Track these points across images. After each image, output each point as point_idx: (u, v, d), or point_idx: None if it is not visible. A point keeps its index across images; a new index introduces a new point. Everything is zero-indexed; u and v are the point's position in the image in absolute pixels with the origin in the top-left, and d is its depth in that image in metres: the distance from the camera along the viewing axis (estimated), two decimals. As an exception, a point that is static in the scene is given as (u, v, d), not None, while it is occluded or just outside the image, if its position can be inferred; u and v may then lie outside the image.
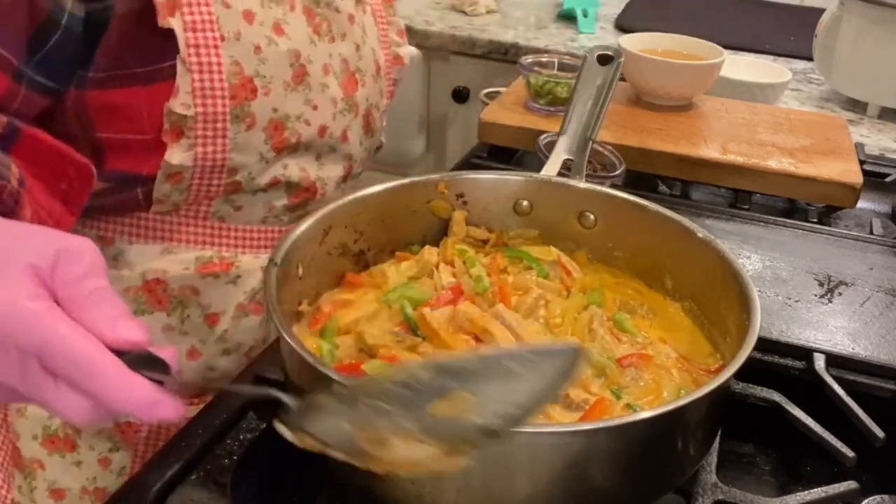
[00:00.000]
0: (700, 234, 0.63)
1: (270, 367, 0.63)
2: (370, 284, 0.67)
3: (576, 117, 0.75)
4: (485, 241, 0.71)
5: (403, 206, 0.70)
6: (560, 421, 0.53)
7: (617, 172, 0.84)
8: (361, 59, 0.78)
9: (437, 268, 0.66)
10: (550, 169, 0.73)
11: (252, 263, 0.74)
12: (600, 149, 0.86)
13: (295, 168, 0.73)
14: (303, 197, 0.75)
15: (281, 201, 0.74)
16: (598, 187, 0.70)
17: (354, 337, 0.60)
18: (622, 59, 0.76)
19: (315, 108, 0.72)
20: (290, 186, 0.74)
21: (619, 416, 0.53)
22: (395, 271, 0.67)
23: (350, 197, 0.67)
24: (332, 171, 0.77)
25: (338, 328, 0.61)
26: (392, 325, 0.61)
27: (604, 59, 0.76)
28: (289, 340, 0.51)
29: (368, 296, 0.65)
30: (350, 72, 0.76)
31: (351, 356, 0.59)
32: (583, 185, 0.70)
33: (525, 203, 0.71)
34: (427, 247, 0.69)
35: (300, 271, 0.62)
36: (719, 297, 0.60)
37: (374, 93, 0.80)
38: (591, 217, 0.69)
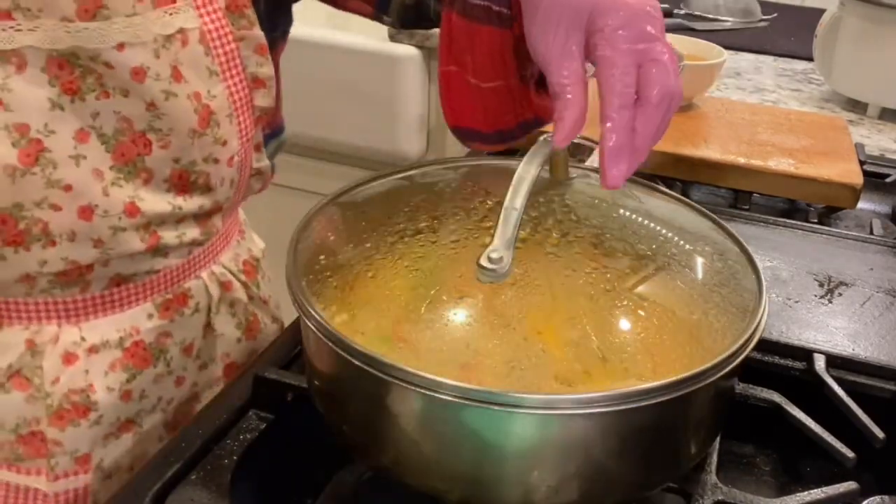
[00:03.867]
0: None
1: (270, 367, 0.63)
2: (395, 260, 0.67)
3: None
4: None
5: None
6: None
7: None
8: (164, 117, 0.62)
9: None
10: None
11: (14, 337, 0.65)
12: (583, 142, 0.86)
13: (56, 260, 0.62)
14: (74, 275, 0.64)
15: (43, 281, 0.63)
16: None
17: (374, 312, 0.60)
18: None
19: (68, 188, 0.61)
20: (45, 276, 0.63)
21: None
22: (423, 252, 0.67)
23: (381, 180, 0.67)
24: (128, 242, 0.65)
25: (359, 301, 0.61)
26: (413, 302, 0.62)
27: None
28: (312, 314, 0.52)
29: (392, 272, 0.65)
30: (136, 132, 0.62)
31: (370, 330, 0.59)
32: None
33: None
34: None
35: (328, 248, 0.62)
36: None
37: (196, 148, 0.65)
38: None
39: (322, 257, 0.62)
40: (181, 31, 0.62)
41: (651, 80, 0.54)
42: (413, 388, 0.47)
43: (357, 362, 0.48)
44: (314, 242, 0.60)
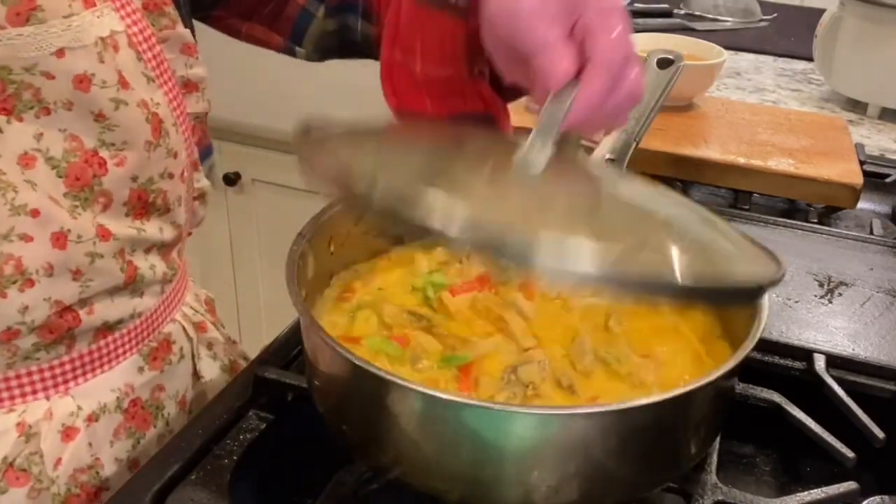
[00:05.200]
0: None
1: (270, 367, 0.63)
2: (399, 263, 0.68)
3: None
4: None
5: None
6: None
7: None
8: (116, 129, 0.57)
9: (467, 256, 0.67)
10: None
11: (1, 424, 0.59)
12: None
13: (38, 303, 0.57)
14: (60, 329, 0.59)
15: (27, 342, 0.58)
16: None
17: (374, 313, 0.61)
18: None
19: (35, 213, 0.54)
20: (30, 329, 0.57)
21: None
22: (426, 256, 0.68)
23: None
24: (108, 271, 0.60)
25: (359, 304, 0.62)
26: (412, 305, 0.62)
27: (663, 63, 0.77)
28: (307, 318, 0.52)
29: (394, 275, 0.66)
30: (88, 151, 0.56)
31: (370, 332, 0.60)
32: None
33: None
34: None
35: (332, 248, 0.63)
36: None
37: (152, 162, 0.60)
38: None
39: (323, 259, 0.63)
40: (111, 34, 0.56)
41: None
42: (413, 388, 0.48)
43: (357, 362, 0.48)
44: (315, 244, 0.60)
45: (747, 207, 0.95)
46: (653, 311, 0.65)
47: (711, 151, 0.98)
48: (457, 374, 0.56)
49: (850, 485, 0.55)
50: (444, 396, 0.49)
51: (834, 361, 0.65)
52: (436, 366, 0.57)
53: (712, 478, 0.56)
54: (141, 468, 0.58)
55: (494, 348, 0.58)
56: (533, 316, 0.61)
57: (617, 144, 0.74)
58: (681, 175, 0.98)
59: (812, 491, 0.55)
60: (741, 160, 0.97)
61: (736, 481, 0.62)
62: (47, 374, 0.60)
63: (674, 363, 0.59)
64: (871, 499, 0.55)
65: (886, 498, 0.55)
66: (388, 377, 0.48)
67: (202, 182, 0.71)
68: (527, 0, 0.56)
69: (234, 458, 0.57)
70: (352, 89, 1.60)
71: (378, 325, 0.60)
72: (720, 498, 0.55)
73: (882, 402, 0.64)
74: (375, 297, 0.63)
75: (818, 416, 0.59)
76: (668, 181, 0.99)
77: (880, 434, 0.58)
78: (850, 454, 0.56)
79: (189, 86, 0.65)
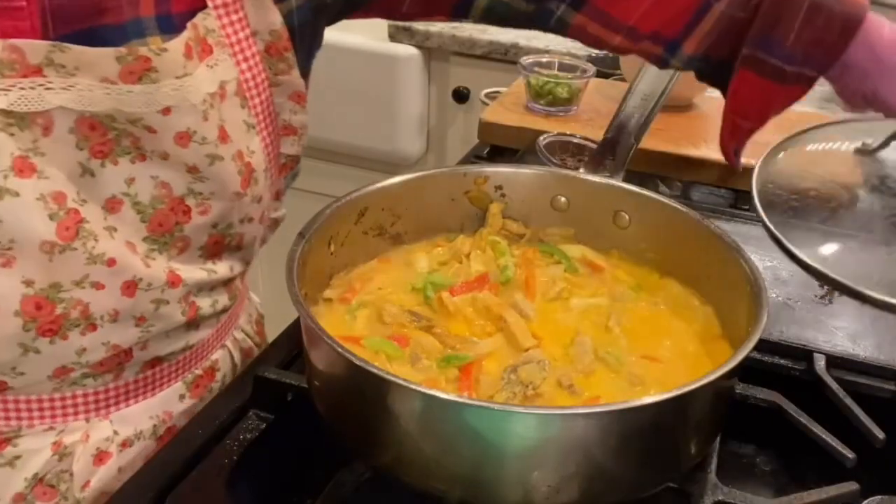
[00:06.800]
0: (728, 241, 0.62)
1: (270, 367, 0.63)
2: (399, 263, 0.68)
3: (623, 119, 0.76)
4: (520, 236, 0.72)
5: (442, 194, 0.70)
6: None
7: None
8: (207, 181, 0.57)
9: (467, 256, 0.67)
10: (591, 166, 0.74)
11: (38, 441, 0.59)
12: (583, 142, 0.87)
13: (96, 347, 0.57)
14: (111, 363, 0.59)
15: (77, 373, 0.58)
16: (636, 188, 0.70)
17: (374, 313, 0.61)
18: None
19: (111, 263, 0.54)
20: (83, 367, 0.58)
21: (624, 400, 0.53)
22: (426, 256, 0.68)
23: (389, 181, 0.68)
24: (170, 316, 0.60)
25: (359, 304, 0.63)
26: (412, 305, 0.63)
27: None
28: (306, 317, 0.52)
29: (394, 275, 0.66)
30: (175, 198, 0.56)
31: (370, 332, 0.60)
32: (620, 184, 0.70)
33: (563, 199, 0.71)
34: (461, 236, 0.70)
35: (332, 248, 0.63)
36: (741, 304, 0.60)
37: (236, 210, 0.60)
38: (626, 217, 0.69)
39: (323, 259, 0.63)
40: (221, 85, 0.56)
41: None
42: (413, 388, 0.48)
43: (357, 362, 0.48)
44: (314, 244, 0.60)
45: (747, 207, 0.94)
46: (653, 312, 0.65)
47: (711, 151, 0.98)
48: (457, 374, 0.56)
49: (850, 485, 0.55)
50: (444, 396, 0.49)
51: (834, 361, 0.65)
52: (436, 366, 0.57)
53: (712, 478, 0.56)
54: (141, 468, 0.58)
55: (494, 348, 0.58)
56: (533, 316, 0.61)
57: (616, 146, 0.74)
58: (681, 175, 0.98)
59: (812, 491, 0.55)
60: (741, 160, 0.96)
61: (736, 481, 0.62)
62: (91, 399, 0.60)
63: (674, 363, 0.59)
64: (871, 499, 0.55)
65: (886, 498, 0.55)
66: (388, 377, 0.48)
67: (280, 212, 0.71)
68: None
69: (234, 458, 0.57)
70: (353, 90, 1.61)
71: (378, 325, 0.60)
72: (720, 498, 0.55)
73: (882, 402, 0.64)
74: (375, 297, 0.63)
75: (818, 416, 0.59)
76: (669, 181, 0.99)
77: (880, 434, 0.58)
78: (850, 454, 0.56)
79: (288, 129, 0.65)
